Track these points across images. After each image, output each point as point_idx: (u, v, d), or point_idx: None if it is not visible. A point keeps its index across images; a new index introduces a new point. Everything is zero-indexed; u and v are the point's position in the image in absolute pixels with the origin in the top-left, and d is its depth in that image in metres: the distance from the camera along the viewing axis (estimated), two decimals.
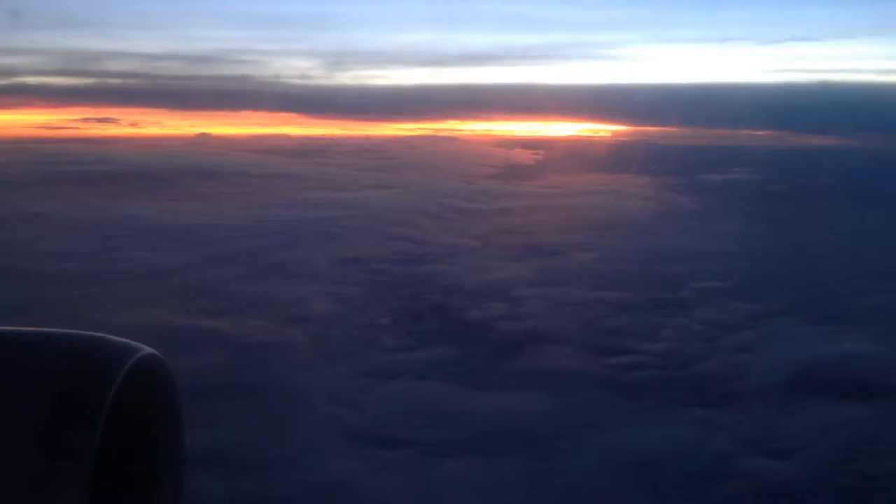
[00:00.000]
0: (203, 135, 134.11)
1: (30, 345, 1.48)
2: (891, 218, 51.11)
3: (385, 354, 27.26)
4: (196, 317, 28.45)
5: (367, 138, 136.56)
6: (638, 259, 39.04)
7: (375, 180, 70.15)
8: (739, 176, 76.28)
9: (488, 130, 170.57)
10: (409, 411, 22.65)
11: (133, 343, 1.52)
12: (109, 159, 78.45)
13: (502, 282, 35.06)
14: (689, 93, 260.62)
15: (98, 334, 1.53)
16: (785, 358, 25.86)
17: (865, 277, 35.48)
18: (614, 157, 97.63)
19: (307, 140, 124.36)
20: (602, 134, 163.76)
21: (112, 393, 1.40)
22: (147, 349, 1.52)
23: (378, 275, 36.76)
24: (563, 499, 18.59)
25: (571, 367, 26.09)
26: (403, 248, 41.93)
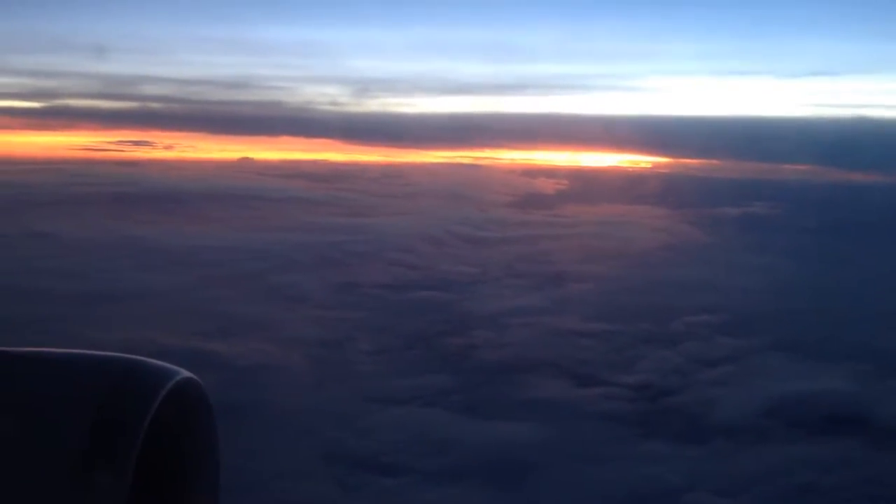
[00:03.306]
0: (246, 159, 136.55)
1: (69, 367, 1.48)
2: None
3: (371, 381, 27.23)
4: (192, 339, 28.66)
5: (402, 165, 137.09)
6: (632, 290, 38.51)
7: (391, 207, 70.57)
8: (762, 210, 74.62)
9: (526, 160, 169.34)
10: (400, 438, 22.69)
11: (171, 367, 1.52)
12: (137, 182, 79.95)
13: (498, 310, 34.90)
14: (729, 125, 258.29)
15: (136, 357, 1.53)
16: (769, 394, 25.39)
17: (875, 318, 34.39)
18: (640, 189, 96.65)
19: (339, 166, 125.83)
20: (642, 165, 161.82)
21: (150, 416, 1.41)
22: (185, 373, 1.52)
23: (373, 300, 36.75)
24: None
25: (560, 397, 25.95)
26: (401, 275, 41.93)
